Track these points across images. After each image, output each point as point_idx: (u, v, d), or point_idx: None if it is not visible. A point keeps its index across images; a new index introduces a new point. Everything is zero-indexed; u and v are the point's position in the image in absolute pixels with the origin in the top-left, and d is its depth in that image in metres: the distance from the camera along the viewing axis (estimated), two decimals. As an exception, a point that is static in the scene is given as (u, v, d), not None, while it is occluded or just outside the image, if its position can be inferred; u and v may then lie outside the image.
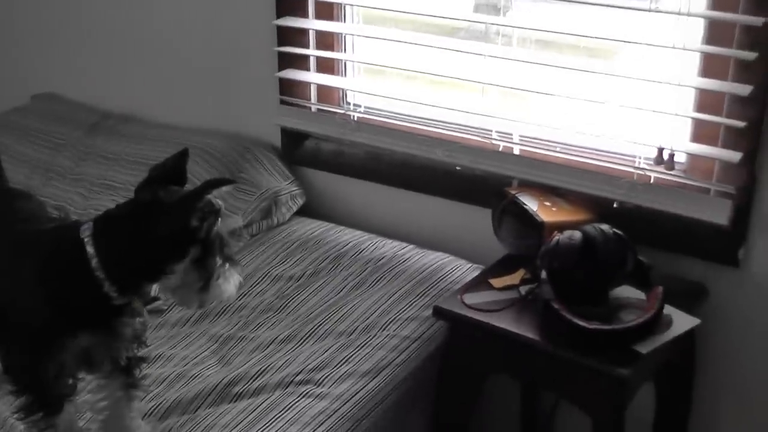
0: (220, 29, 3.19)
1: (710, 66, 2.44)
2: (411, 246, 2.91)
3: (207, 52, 3.26)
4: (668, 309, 2.29)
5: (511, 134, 2.77)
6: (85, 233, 1.95)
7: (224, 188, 1.94)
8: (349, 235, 2.98)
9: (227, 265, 2.01)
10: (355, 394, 2.37)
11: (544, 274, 2.32)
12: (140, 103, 3.44)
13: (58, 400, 2.03)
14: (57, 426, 2.04)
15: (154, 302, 2.71)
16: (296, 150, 3.16)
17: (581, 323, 2.22)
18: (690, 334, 2.35)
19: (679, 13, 2.38)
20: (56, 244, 2.03)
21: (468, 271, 2.77)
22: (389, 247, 2.91)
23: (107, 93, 3.50)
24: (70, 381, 2.05)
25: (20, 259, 2.04)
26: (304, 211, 3.13)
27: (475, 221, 2.76)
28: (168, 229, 1.91)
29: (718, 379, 2.64)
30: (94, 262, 1.92)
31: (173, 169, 2.01)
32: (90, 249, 1.93)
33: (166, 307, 2.75)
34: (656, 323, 2.24)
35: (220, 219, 1.96)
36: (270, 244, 2.97)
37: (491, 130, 2.79)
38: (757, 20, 2.26)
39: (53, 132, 3.33)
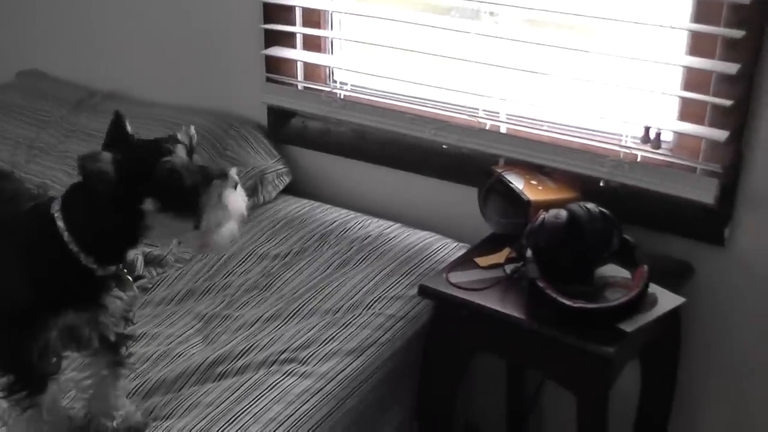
0: (206, 6, 3.17)
1: (698, 44, 2.42)
2: (397, 225, 2.90)
3: (192, 30, 3.24)
4: (653, 288, 2.27)
5: (498, 113, 2.75)
6: (55, 208, 1.94)
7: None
8: (335, 214, 2.97)
9: (212, 187, 1.88)
10: (340, 373, 2.36)
11: (529, 253, 2.30)
12: (126, 82, 3.41)
13: (42, 379, 2.00)
14: (41, 405, 2.00)
15: (139, 280, 2.72)
16: (282, 128, 3.14)
17: (566, 302, 2.20)
18: (675, 313, 2.33)
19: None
20: (33, 222, 2.00)
21: (454, 250, 2.76)
22: (375, 225, 2.90)
23: (93, 71, 3.48)
24: (54, 359, 2.02)
25: (1, 240, 2.02)
26: (291, 190, 3.12)
27: (462, 200, 2.75)
28: (97, 196, 1.87)
29: (703, 356, 2.64)
30: (65, 235, 1.91)
31: (116, 134, 1.93)
32: (60, 223, 1.92)
33: (151, 285, 2.73)
34: (641, 302, 2.23)
35: (174, 152, 1.87)
36: (255, 223, 2.95)
37: (478, 109, 2.77)
38: (746, -2, 2.24)
39: (37, 109, 3.31)
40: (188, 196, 1.88)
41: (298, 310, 2.58)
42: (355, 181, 3.09)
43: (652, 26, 2.44)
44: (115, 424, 2.16)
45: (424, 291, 2.45)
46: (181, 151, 1.89)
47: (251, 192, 3.01)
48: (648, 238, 2.48)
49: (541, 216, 2.31)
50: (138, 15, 3.33)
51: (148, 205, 1.87)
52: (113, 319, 2.07)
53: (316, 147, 3.12)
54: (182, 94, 3.26)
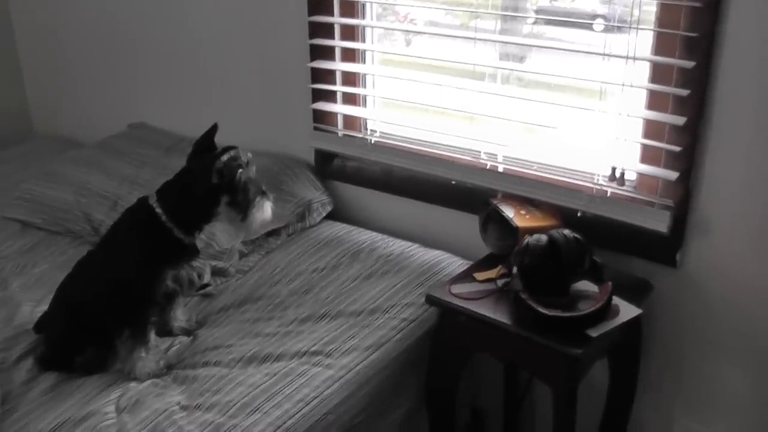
0: (269, 72, 3.06)
1: (654, 100, 2.26)
2: (416, 245, 2.74)
3: (257, 89, 3.12)
4: (617, 300, 2.12)
5: (497, 155, 2.59)
6: (152, 200, 2.22)
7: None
8: (366, 236, 2.81)
9: (259, 198, 2.23)
10: (359, 365, 2.22)
11: (515, 270, 2.15)
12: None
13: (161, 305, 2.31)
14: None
15: (206, 287, 2.61)
16: (326, 166, 3.00)
17: (542, 310, 2.06)
18: (636, 321, 2.15)
19: (627, 57, 2.22)
20: (138, 210, 2.26)
21: (460, 266, 2.58)
22: (398, 245, 2.74)
23: (183, 121, 3.37)
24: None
25: (121, 227, 2.30)
26: (333, 216, 2.97)
27: (467, 225, 2.57)
28: (199, 189, 2.17)
29: (660, 357, 2.46)
30: (163, 216, 2.19)
31: (206, 141, 2.26)
32: (158, 209, 2.20)
33: (216, 292, 2.61)
34: (605, 312, 2.06)
35: (245, 168, 2.19)
36: (302, 242, 2.81)
37: (480, 152, 2.62)
38: (689, 63, 2.09)
39: (139, 153, 3.21)
40: (246, 199, 2.20)
41: (327, 313, 2.43)
42: (383, 209, 2.93)
43: (617, 85, 2.27)
44: (175, 324, 2.41)
45: (430, 299, 2.30)
46: (249, 169, 2.21)
47: (300, 218, 2.89)
48: (615, 259, 2.33)
49: (526, 239, 2.15)
50: (220, 79, 3.23)
51: (225, 199, 2.19)
52: (195, 270, 2.35)
53: (352, 182, 2.97)
54: (250, 140, 3.07)
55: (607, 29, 2.31)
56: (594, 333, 2.01)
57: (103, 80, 3.66)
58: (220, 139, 3.18)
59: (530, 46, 2.54)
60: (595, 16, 2.40)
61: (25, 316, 2.48)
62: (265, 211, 2.24)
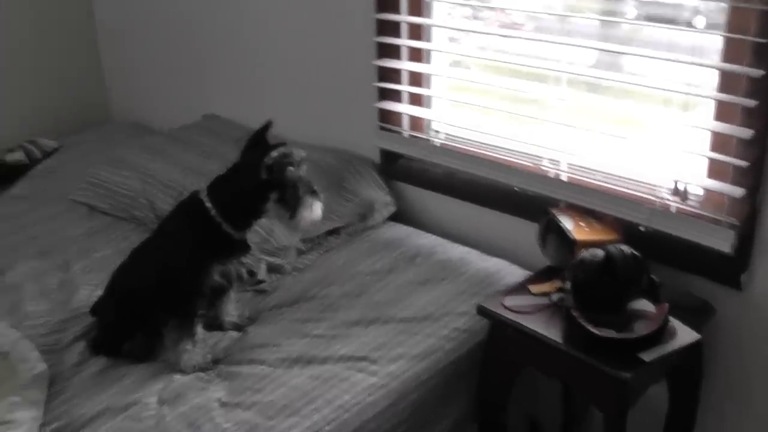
0: (337, 69, 3.03)
1: (723, 111, 2.13)
2: (476, 252, 2.67)
3: (324, 86, 3.10)
4: (676, 323, 2.02)
5: (560, 161, 2.50)
6: (203, 194, 2.21)
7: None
8: (426, 239, 2.76)
9: (309, 197, 2.19)
10: (404, 373, 2.17)
11: (568, 285, 2.07)
12: (279, 123, 3.27)
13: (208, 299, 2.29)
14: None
15: (260, 283, 2.59)
16: (391, 167, 2.96)
17: (593, 330, 1.96)
18: (696, 346, 2.04)
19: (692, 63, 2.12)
20: (189, 205, 2.26)
21: (517, 276, 2.50)
22: (457, 251, 2.68)
23: (252, 113, 3.33)
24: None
25: (173, 219, 2.32)
26: (396, 217, 2.93)
27: (529, 234, 2.47)
28: (247, 184, 2.16)
29: (722, 383, 2.33)
30: (212, 211, 2.17)
31: (259, 137, 2.24)
32: (208, 204, 2.18)
33: (270, 289, 2.59)
34: (661, 335, 1.96)
35: (296, 166, 2.15)
36: (361, 243, 2.77)
37: (542, 158, 2.53)
38: (758, 72, 1.96)
39: (207, 144, 3.22)
40: (295, 197, 2.16)
41: (378, 318, 2.39)
42: (446, 212, 2.87)
43: (685, 94, 2.17)
44: (227, 319, 2.40)
45: (481, 310, 2.24)
46: (300, 168, 2.17)
47: (361, 218, 2.85)
48: (676, 277, 2.22)
49: (582, 254, 2.06)
50: (294, 77, 3.22)
51: (273, 195, 2.16)
52: (245, 266, 2.42)
53: (417, 183, 2.92)
54: (317, 136, 3.13)
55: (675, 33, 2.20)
56: (647, 357, 1.92)
57: (180, 72, 3.70)
58: (287, 134, 3.19)
59: (591, 48, 2.44)
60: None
61: (83, 300, 2.52)
62: (314, 210, 2.20)
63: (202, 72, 3.60)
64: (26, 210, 3.15)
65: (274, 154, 2.13)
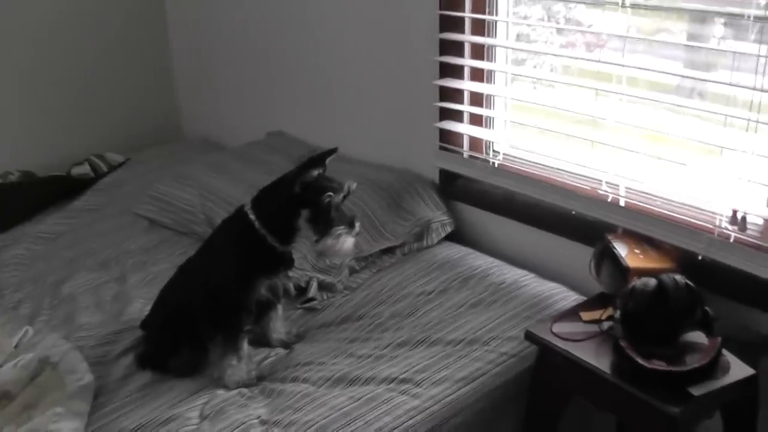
0: (398, 88, 3.01)
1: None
2: (532, 275, 2.62)
3: (386, 104, 3.09)
4: (730, 357, 1.94)
5: (618, 185, 2.42)
6: (246, 207, 2.21)
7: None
8: (482, 261, 2.71)
9: (342, 228, 2.14)
10: (447, 397, 2.13)
11: (618, 314, 2.00)
12: (340, 140, 3.24)
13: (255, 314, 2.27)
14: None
15: (311, 301, 2.58)
16: (450, 186, 2.92)
17: (641, 362, 1.89)
18: (751, 380, 1.94)
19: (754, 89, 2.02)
20: (234, 219, 2.26)
21: (572, 301, 2.45)
22: (512, 273, 2.63)
23: (318, 131, 3.39)
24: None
25: (219, 234, 2.33)
26: (453, 237, 2.89)
27: (586, 259, 2.39)
28: (284, 195, 2.16)
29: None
30: (256, 224, 2.16)
31: (317, 160, 2.18)
32: (252, 216, 2.17)
33: (320, 307, 2.58)
34: (712, 369, 1.88)
35: (336, 193, 2.13)
36: (415, 263, 2.74)
37: (601, 181, 2.46)
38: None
39: (269, 161, 3.23)
40: (324, 223, 2.14)
41: (425, 339, 2.35)
42: (503, 234, 2.82)
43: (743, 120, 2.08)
44: (274, 336, 2.39)
45: (529, 336, 2.19)
46: (339, 196, 2.14)
47: (417, 237, 2.82)
48: (734, 310, 2.12)
49: (633, 282, 1.99)
50: (350, 93, 3.23)
51: (305, 213, 2.14)
52: (291, 280, 2.38)
53: (476, 204, 2.88)
54: (377, 155, 3.13)
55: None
56: (697, 391, 1.84)
57: (248, 89, 3.73)
58: (348, 151, 3.23)
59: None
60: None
61: (135, 313, 2.56)
62: (341, 243, 2.15)
63: (270, 90, 3.62)
64: (88, 222, 3.22)
65: (315, 173, 2.13)
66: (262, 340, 2.40)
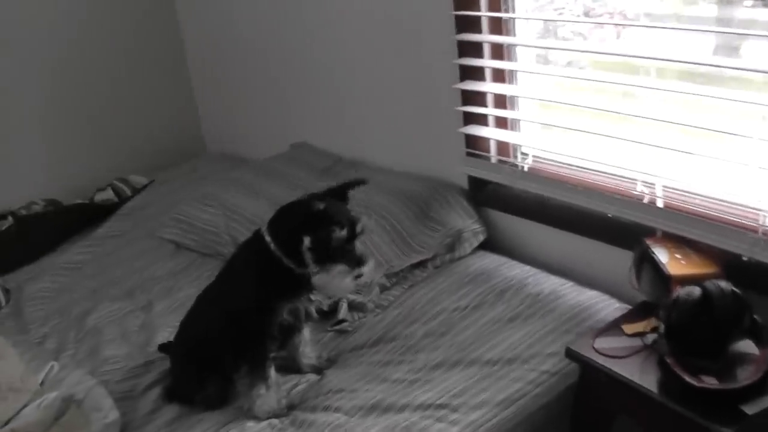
0: (420, 94, 2.91)
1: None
2: (570, 283, 2.49)
3: (408, 111, 2.98)
4: (786, 368, 1.79)
5: (654, 184, 2.29)
6: (263, 229, 2.12)
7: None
8: (517, 270, 2.59)
9: (340, 265, 2.02)
10: (486, 422, 2.03)
11: (662, 328, 1.88)
12: (365, 150, 3.23)
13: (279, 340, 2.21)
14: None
15: (342, 323, 2.50)
16: (480, 192, 2.81)
17: (689, 380, 1.78)
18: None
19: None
20: (252, 241, 2.17)
21: (614, 310, 2.32)
22: (549, 283, 2.50)
23: (344, 141, 3.31)
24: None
25: (237, 259, 2.26)
26: (487, 245, 2.77)
27: (627, 264, 2.27)
28: (293, 219, 2.08)
29: None
30: (271, 245, 2.07)
31: (340, 190, 2.14)
32: (267, 238, 2.09)
33: (351, 329, 2.49)
34: (765, 383, 1.75)
35: (338, 230, 2.01)
36: (448, 276, 2.63)
37: (637, 181, 2.32)
38: None
39: (293, 175, 3.16)
40: (324, 256, 2.02)
41: (461, 359, 2.25)
42: (537, 240, 2.70)
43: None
44: (304, 361, 2.31)
45: (570, 354, 2.08)
46: (341, 231, 2.01)
47: (449, 248, 2.72)
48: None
49: (676, 292, 1.88)
50: (372, 101, 3.13)
51: (306, 241, 2.01)
52: (312, 303, 2.25)
53: (508, 210, 2.76)
54: (402, 162, 3.04)
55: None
56: (750, 410, 1.72)
57: (268, 100, 3.67)
58: (373, 161, 3.15)
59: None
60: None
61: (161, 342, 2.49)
62: (336, 279, 2.03)
63: (292, 100, 3.55)
64: (112, 249, 3.17)
65: (322, 205, 2.03)
66: (291, 366, 2.32)
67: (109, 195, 3.50)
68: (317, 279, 2.04)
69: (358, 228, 2.05)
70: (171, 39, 3.94)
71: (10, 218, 3.29)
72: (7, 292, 2.95)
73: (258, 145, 3.74)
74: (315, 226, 2.01)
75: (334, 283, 2.04)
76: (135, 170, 3.72)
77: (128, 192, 3.54)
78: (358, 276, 2.03)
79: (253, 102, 3.75)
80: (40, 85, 3.58)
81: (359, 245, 2.05)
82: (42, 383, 2.31)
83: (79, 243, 3.25)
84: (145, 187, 3.60)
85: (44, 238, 3.25)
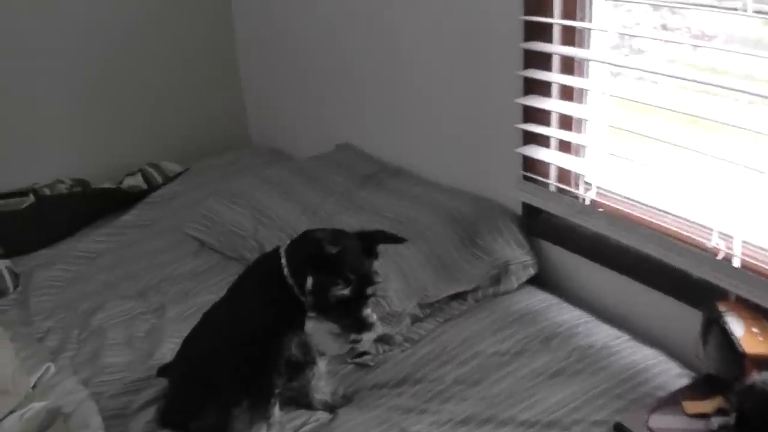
0: (477, 107, 2.64)
1: None
2: (625, 337, 2.19)
3: (467, 126, 2.71)
4: None
5: (732, 237, 1.97)
6: (283, 248, 1.93)
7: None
8: (567, 315, 2.30)
9: (336, 329, 1.87)
10: (513, 500, 1.75)
11: (734, 416, 1.59)
12: (412, 158, 2.98)
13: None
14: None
15: (364, 356, 2.24)
16: (535, 221, 2.53)
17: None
18: None
19: None
20: (267, 261, 1.98)
21: (673, 378, 2.01)
22: (603, 334, 2.21)
23: (390, 146, 3.07)
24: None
25: (248, 277, 2.03)
26: (537, 280, 2.50)
27: (692, 323, 1.98)
28: (302, 254, 1.87)
29: None
30: (285, 271, 1.87)
31: (367, 241, 1.91)
32: (283, 260, 1.89)
33: (373, 364, 2.24)
34: None
35: (342, 284, 1.81)
36: (490, 312, 2.36)
37: (712, 230, 2.01)
38: None
39: (331, 180, 2.92)
40: (322, 307, 1.85)
41: (493, 417, 1.97)
42: (595, 282, 2.41)
43: None
44: (317, 397, 2.07)
45: (620, 430, 1.80)
46: (346, 289, 1.82)
47: (494, 281, 2.44)
48: None
49: (753, 377, 1.58)
50: (426, 108, 2.88)
51: (309, 280, 1.83)
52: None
53: (564, 244, 2.47)
54: (452, 177, 2.78)
55: None
56: None
57: (318, 98, 3.46)
58: (420, 171, 2.90)
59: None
60: None
61: (165, 354, 2.29)
62: (326, 336, 1.90)
63: (342, 100, 3.33)
64: (133, 241, 2.98)
65: (335, 250, 1.82)
66: (302, 400, 2.08)
67: (138, 181, 3.30)
68: (309, 325, 1.90)
69: (369, 290, 1.86)
70: (222, 25, 3.78)
71: (31, 196, 3.11)
72: (16, 276, 2.77)
73: (303, 142, 3.54)
74: (318, 270, 1.82)
75: (323, 338, 1.91)
76: (171, 157, 3.53)
77: (159, 179, 3.34)
78: (355, 341, 1.87)
79: (302, 98, 3.55)
80: (86, 63, 3.45)
81: (369, 306, 1.87)
82: (34, 386, 2.18)
83: (100, 230, 3.06)
84: (178, 175, 3.39)
85: (63, 222, 3.07)
